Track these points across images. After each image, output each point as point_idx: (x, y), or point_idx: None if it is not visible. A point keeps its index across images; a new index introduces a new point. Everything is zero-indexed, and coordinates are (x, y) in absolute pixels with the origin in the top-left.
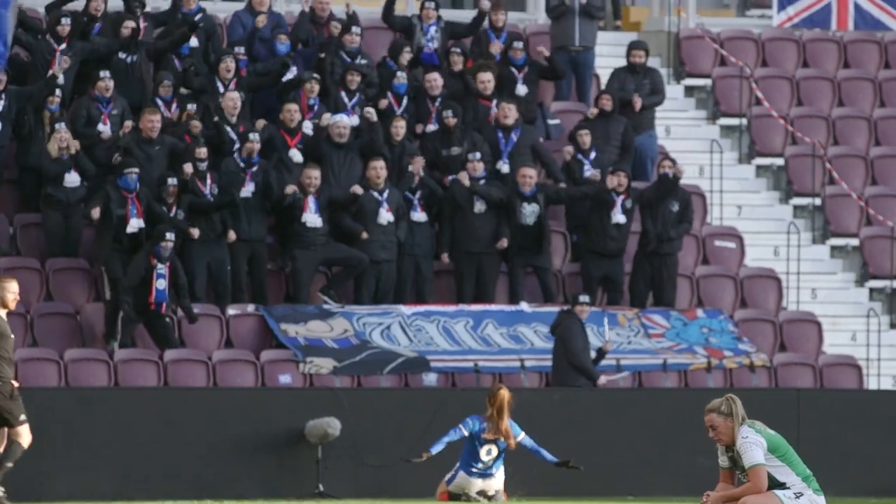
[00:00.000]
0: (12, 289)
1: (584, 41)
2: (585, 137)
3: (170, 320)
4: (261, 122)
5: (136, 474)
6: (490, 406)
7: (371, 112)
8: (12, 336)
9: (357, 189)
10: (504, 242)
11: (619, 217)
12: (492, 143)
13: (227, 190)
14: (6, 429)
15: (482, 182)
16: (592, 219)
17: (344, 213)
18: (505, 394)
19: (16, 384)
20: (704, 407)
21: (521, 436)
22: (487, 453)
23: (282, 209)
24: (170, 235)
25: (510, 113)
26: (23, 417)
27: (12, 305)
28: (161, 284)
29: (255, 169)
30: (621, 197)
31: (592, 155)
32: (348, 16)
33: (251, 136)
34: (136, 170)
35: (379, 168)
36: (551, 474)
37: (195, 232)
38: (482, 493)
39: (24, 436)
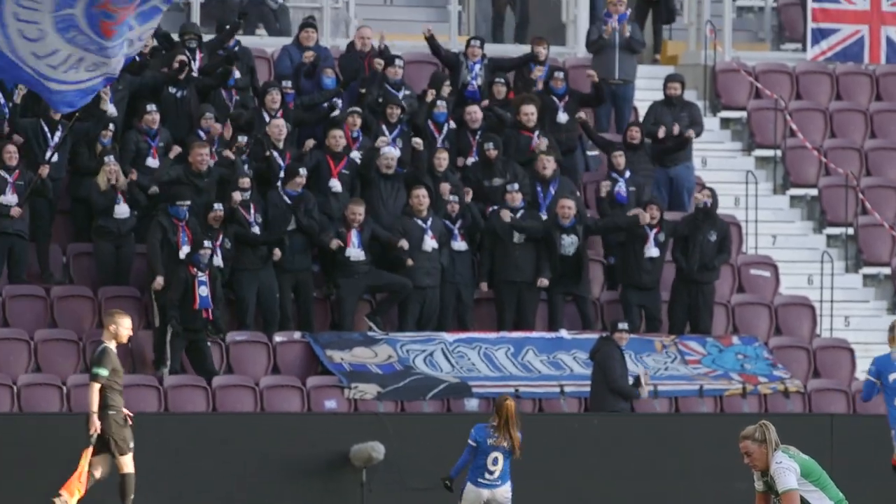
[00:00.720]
0: (126, 324)
1: (623, 74)
2: (620, 159)
3: (211, 344)
4: (310, 142)
5: (185, 497)
6: (497, 417)
7: (419, 142)
8: (121, 368)
9: (403, 243)
10: (545, 281)
11: (652, 251)
12: (532, 193)
13: (276, 228)
14: (108, 456)
15: (521, 212)
16: (627, 252)
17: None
18: (511, 404)
19: (127, 413)
20: (739, 433)
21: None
22: (494, 462)
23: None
24: (207, 244)
25: (549, 164)
26: (131, 445)
27: (125, 339)
28: (203, 291)
29: (299, 205)
30: (654, 230)
31: (627, 174)
32: (381, 49)
33: (300, 170)
34: (188, 202)
35: (422, 196)
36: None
37: (277, 254)
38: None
39: (130, 464)
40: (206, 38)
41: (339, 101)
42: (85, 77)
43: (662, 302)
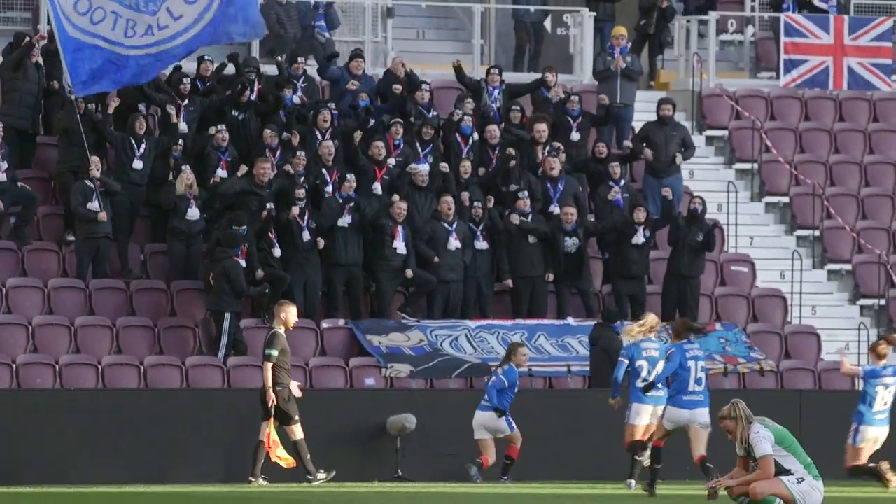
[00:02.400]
0: (293, 312)
1: (624, 98)
2: (616, 169)
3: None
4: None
5: (246, 461)
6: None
7: (445, 166)
8: (289, 350)
9: (436, 259)
10: (550, 276)
11: (639, 238)
12: (543, 190)
13: (331, 224)
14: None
15: (530, 216)
16: (619, 247)
17: (418, 240)
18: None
19: (295, 388)
20: (717, 416)
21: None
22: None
23: (374, 233)
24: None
25: (555, 165)
26: (296, 417)
27: (292, 326)
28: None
29: (351, 204)
30: (641, 227)
31: (622, 182)
32: (408, 74)
33: (348, 176)
34: (245, 227)
35: (450, 202)
36: (584, 462)
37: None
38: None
39: (298, 432)
40: (263, 68)
41: (381, 116)
42: (144, 43)
43: (648, 294)
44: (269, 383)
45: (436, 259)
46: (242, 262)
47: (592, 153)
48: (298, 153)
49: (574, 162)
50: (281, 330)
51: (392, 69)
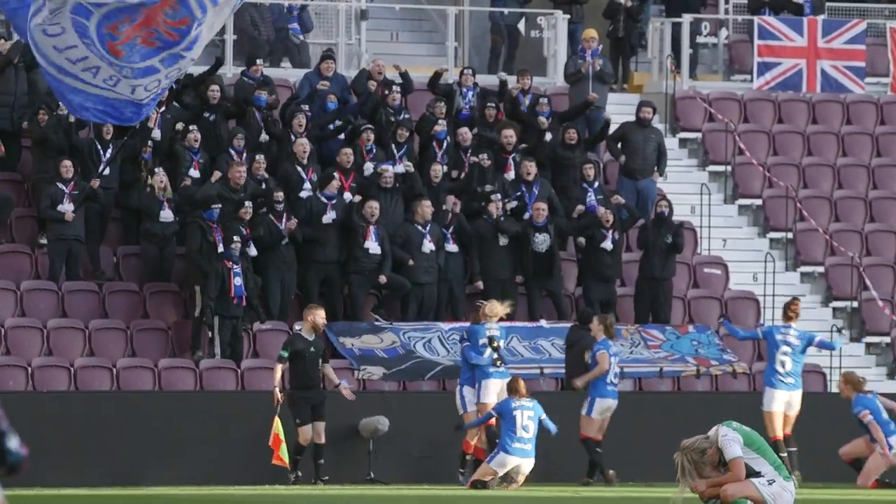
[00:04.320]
0: (321, 314)
1: (596, 101)
2: (590, 171)
3: (245, 333)
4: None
5: (220, 465)
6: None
7: (409, 165)
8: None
9: (411, 262)
10: (519, 279)
11: (608, 244)
12: (518, 196)
13: (316, 224)
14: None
15: (502, 218)
16: (589, 251)
17: (392, 244)
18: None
19: (345, 390)
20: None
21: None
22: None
23: (348, 233)
24: (237, 238)
25: (532, 170)
26: (297, 420)
27: (321, 329)
28: (238, 281)
29: (335, 201)
30: (611, 230)
31: (595, 184)
32: (387, 80)
33: (334, 175)
34: (219, 205)
35: (426, 206)
36: (560, 461)
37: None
38: (515, 471)
39: (302, 434)
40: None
41: (352, 119)
42: (101, 85)
43: (621, 297)
44: (276, 382)
45: (410, 262)
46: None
47: (562, 140)
48: (258, 157)
49: (543, 150)
50: (303, 332)
51: (370, 71)
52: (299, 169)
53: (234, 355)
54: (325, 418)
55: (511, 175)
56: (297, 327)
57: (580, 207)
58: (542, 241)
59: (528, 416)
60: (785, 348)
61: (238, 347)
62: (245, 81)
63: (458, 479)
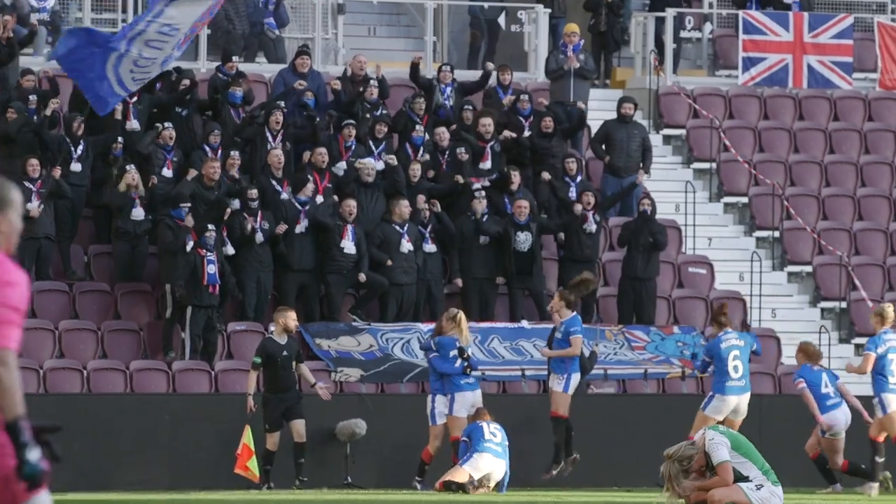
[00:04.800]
0: (291, 317)
1: (577, 97)
2: (572, 164)
3: (220, 335)
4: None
5: (192, 468)
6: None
7: (392, 158)
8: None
9: (389, 262)
10: (500, 280)
11: (591, 227)
12: (500, 207)
13: (290, 229)
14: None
15: (485, 217)
16: (571, 234)
17: (370, 244)
18: None
19: (321, 390)
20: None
21: None
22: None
23: (323, 234)
24: (211, 227)
25: (515, 180)
26: (266, 426)
27: (293, 330)
28: (212, 269)
29: (307, 207)
30: (592, 212)
31: (578, 178)
32: (367, 76)
33: (307, 178)
34: (189, 204)
35: (404, 207)
36: (540, 467)
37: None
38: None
39: (269, 440)
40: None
41: (326, 118)
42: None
43: (603, 296)
44: (250, 389)
45: (389, 262)
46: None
47: (538, 129)
48: (232, 153)
49: (521, 149)
50: (275, 336)
51: (351, 67)
52: (273, 182)
53: (208, 348)
54: (303, 416)
55: (488, 164)
56: (271, 328)
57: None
58: (524, 239)
59: (496, 427)
60: (735, 352)
61: (212, 339)
62: (219, 77)
63: (415, 486)
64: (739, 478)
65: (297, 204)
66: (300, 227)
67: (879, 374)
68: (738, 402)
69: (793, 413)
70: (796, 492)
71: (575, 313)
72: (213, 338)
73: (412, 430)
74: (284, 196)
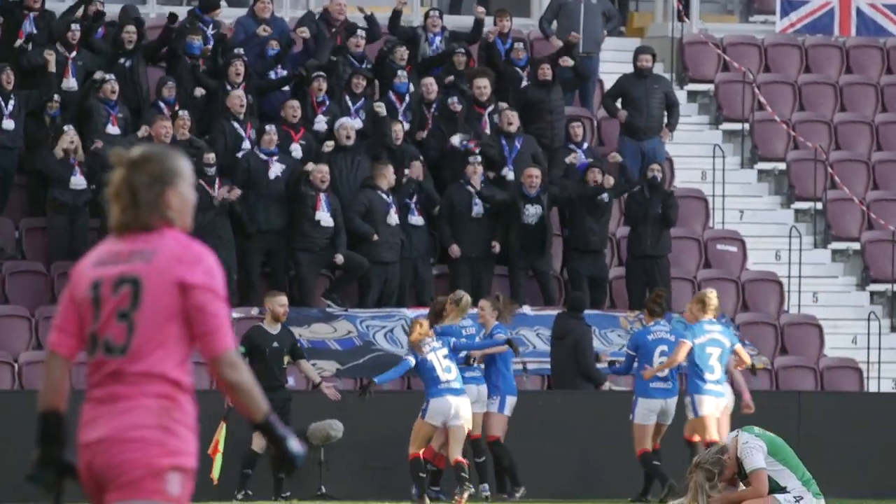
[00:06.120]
0: (282, 301)
1: (588, 47)
2: (578, 130)
3: None
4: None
5: None
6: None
7: (381, 106)
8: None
9: (376, 238)
10: (497, 247)
11: (603, 197)
12: (496, 150)
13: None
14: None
15: (481, 185)
16: (577, 215)
17: (353, 213)
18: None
19: (328, 389)
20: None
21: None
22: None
23: (296, 199)
24: None
25: (514, 120)
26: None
27: (282, 317)
28: None
29: (277, 157)
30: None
31: (585, 145)
32: (348, 24)
33: (266, 128)
34: None
35: (389, 174)
36: (541, 475)
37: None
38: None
39: (255, 440)
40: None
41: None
42: None
43: (615, 278)
44: None
45: (375, 237)
46: None
47: (535, 77)
48: (181, 113)
49: (518, 100)
50: (265, 324)
51: (330, 10)
52: (236, 125)
53: None
54: (289, 423)
55: (487, 131)
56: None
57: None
58: (533, 213)
59: (444, 355)
60: (663, 347)
61: None
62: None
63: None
64: (776, 488)
65: (261, 155)
66: (273, 172)
67: (694, 369)
68: (664, 406)
69: (836, 414)
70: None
71: (498, 322)
72: None
73: (395, 431)
74: (247, 145)
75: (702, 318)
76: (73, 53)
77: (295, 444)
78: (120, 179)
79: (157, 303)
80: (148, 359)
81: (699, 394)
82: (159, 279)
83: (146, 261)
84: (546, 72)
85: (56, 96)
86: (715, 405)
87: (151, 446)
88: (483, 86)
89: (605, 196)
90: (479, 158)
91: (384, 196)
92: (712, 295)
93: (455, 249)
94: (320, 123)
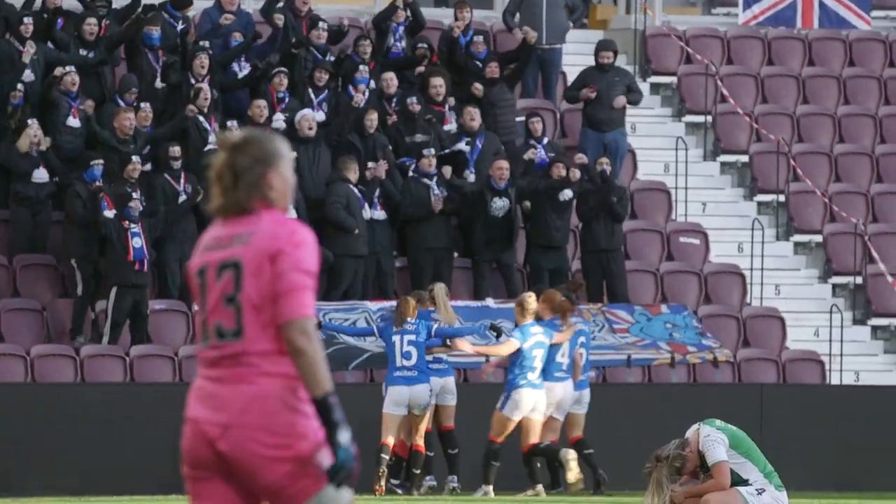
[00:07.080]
0: None
1: (551, 38)
2: (537, 125)
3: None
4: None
5: (103, 469)
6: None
7: (365, 90)
8: None
9: (357, 231)
10: (439, 203)
11: (567, 193)
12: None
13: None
14: None
15: (435, 179)
16: (541, 211)
17: (338, 206)
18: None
19: None
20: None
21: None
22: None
23: None
24: (135, 195)
25: (475, 116)
26: None
27: None
28: (137, 242)
29: None
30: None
31: (545, 140)
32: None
33: (229, 123)
34: (101, 161)
35: (356, 168)
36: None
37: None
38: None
39: None
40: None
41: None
42: None
43: (576, 271)
44: None
45: (356, 231)
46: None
47: (482, 73)
48: (143, 105)
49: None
50: None
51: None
52: (201, 119)
53: (135, 335)
54: None
55: (453, 126)
56: None
57: (532, 151)
58: (501, 206)
59: (409, 341)
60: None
61: (142, 326)
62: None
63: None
64: (738, 481)
65: None
66: None
67: (517, 369)
68: (536, 400)
69: (798, 406)
70: (802, 496)
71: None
72: (143, 325)
73: (357, 425)
74: (212, 143)
75: (522, 321)
76: (34, 49)
77: (346, 437)
78: (222, 162)
79: (259, 283)
80: (261, 339)
81: (518, 389)
82: (257, 259)
83: (245, 243)
84: (493, 69)
85: (19, 85)
86: (534, 399)
87: (290, 436)
88: (438, 84)
89: (567, 192)
90: (432, 151)
91: (355, 189)
92: (531, 299)
93: (452, 218)
94: (279, 122)
